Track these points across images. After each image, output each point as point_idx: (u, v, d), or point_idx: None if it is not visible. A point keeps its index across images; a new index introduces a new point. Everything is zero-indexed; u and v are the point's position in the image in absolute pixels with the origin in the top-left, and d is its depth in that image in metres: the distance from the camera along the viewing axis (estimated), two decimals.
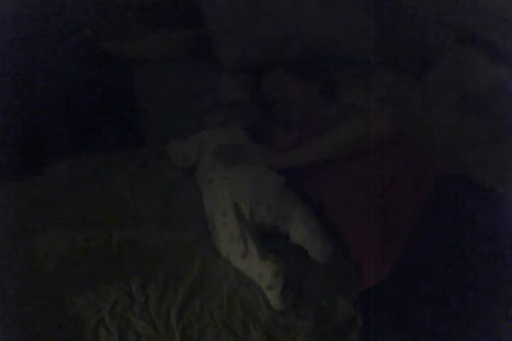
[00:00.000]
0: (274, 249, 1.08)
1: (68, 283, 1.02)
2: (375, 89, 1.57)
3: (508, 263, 1.01)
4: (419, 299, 1.00)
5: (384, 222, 1.10)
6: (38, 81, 1.37)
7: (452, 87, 1.72)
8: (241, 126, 1.43)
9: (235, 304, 1.01)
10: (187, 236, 1.16)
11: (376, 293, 1.04)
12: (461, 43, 1.83)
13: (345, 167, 1.22)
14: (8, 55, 1.33)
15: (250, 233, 1.07)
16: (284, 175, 1.22)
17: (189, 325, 0.98)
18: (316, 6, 1.63)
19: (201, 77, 1.61)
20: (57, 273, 1.04)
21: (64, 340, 0.93)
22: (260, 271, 1.01)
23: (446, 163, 1.24)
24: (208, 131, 1.42)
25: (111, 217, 1.20)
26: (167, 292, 1.02)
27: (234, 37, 1.61)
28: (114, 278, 1.05)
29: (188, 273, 1.06)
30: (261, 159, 1.27)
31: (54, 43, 1.40)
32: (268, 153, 1.29)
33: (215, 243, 1.13)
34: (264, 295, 1.02)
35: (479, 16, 1.79)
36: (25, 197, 1.22)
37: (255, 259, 1.03)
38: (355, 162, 1.22)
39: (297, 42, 1.63)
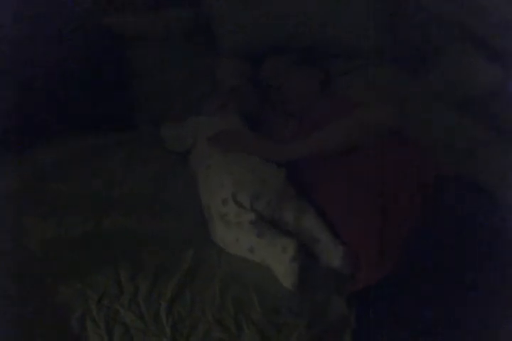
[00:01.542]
0: None
1: (54, 269, 0.97)
2: (375, 83, 1.54)
3: (508, 262, 1.00)
4: (418, 299, 0.99)
5: (382, 221, 1.08)
6: (28, 57, 1.30)
7: (452, 86, 1.70)
8: (238, 113, 1.38)
9: (227, 299, 0.98)
10: (180, 225, 1.12)
11: (374, 294, 1.02)
12: (462, 42, 1.81)
13: (344, 164, 1.19)
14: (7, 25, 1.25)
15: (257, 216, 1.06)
16: (284, 168, 1.18)
17: (179, 319, 0.94)
18: None
19: (199, 60, 1.55)
20: (44, 258, 0.99)
21: (49, 329, 0.89)
22: (284, 245, 1.01)
23: (446, 163, 1.22)
24: (204, 117, 1.37)
25: (100, 203, 1.15)
26: (157, 283, 0.98)
27: (233, 20, 1.56)
28: (102, 266, 1.00)
29: (179, 264, 1.02)
30: (259, 149, 1.22)
31: (49, 15, 1.33)
32: (267, 144, 1.25)
33: (212, 232, 1.10)
34: (257, 291, 0.99)
35: (479, 16, 1.77)
36: (12, 180, 1.16)
37: (276, 235, 1.04)
38: (354, 158, 1.19)
39: (298, 30, 1.58)
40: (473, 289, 0.96)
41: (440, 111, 1.52)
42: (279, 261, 1.02)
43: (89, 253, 1.05)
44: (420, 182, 1.10)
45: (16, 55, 1.28)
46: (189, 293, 0.97)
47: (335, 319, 1.01)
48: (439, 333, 0.96)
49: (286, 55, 1.49)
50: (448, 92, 1.64)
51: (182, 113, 1.42)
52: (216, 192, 1.11)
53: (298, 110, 1.41)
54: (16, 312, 0.90)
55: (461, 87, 1.70)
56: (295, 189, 1.17)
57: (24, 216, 1.09)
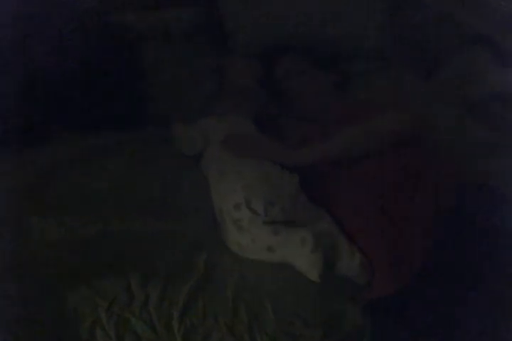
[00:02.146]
0: None
1: (62, 275, 0.94)
2: (390, 86, 1.52)
3: None
4: (434, 311, 0.97)
5: (399, 230, 1.05)
6: (36, 53, 1.27)
7: (464, 88, 1.68)
8: (249, 115, 1.35)
9: (240, 307, 0.95)
10: (191, 228, 1.09)
11: (390, 304, 0.99)
12: (473, 44, 1.78)
13: (358, 171, 1.16)
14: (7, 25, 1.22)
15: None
16: (297, 174, 1.14)
17: (192, 328, 0.91)
18: None
19: (210, 59, 1.52)
20: (51, 263, 0.96)
21: (58, 339, 0.85)
22: (303, 236, 1.00)
23: (464, 169, 1.19)
24: (214, 118, 1.33)
25: (106, 204, 1.12)
26: (169, 290, 0.95)
27: (247, 19, 1.53)
28: (110, 271, 0.97)
29: (191, 270, 0.99)
30: (271, 154, 1.19)
31: (49, 15, 1.29)
32: (279, 148, 1.21)
33: (225, 236, 1.07)
34: (272, 299, 0.96)
35: (490, 18, 1.75)
36: (17, 178, 1.12)
37: (292, 229, 1.03)
38: (369, 165, 1.16)
39: (312, 30, 1.56)
40: (494, 301, 0.94)
41: (453, 115, 1.49)
42: (300, 254, 1.00)
43: (96, 256, 1.01)
44: (439, 191, 1.07)
45: (17, 54, 1.24)
46: (201, 301, 0.94)
47: (350, 329, 0.98)
48: None
49: (300, 55, 1.46)
50: (460, 93, 1.61)
51: (190, 114, 1.38)
52: (228, 197, 1.08)
53: (311, 113, 1.38)
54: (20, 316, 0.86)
55: (472, 89, 1.68)
56: (307, 195, 1.14)
57: (26, 216, 1.05)
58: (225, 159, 1.18)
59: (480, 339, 0.96)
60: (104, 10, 1.47)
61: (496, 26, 1.71)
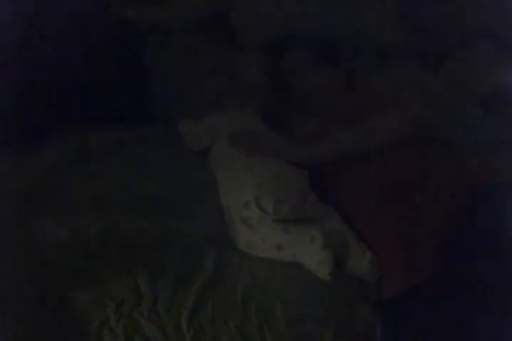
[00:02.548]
0: None
1: (70, 275, 0.93)
2: (400, 81, 1.49)
3: None
4: (445, 313, 0.95)
5: (411, 229, 1.03)
6: (39, 48, 1.25)
7: (472, 84, 1.65)
8: (258, 111, 1.33)
9: (249, 308, 0.94)
10: (200, 228, 1.07)
11: (400, 304, 0.98)
12: (483, 39, 1.75)
13: (370, 169, 1.14)
14: (9, 22, 1.20)
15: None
16: (306, 171, 1.12)
17: (201, 330, 0.90)
18: None
19: (218, 54, 1.49)
20: (58, 263, 0.95)
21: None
22: (312, 234, 1.00)
23: (477, 169, 1.17)
24: (221, 114, 1.32)
25: (115, 204, 1.10)
26: (178, 291, 0.93)
27: (255, 14, 1.50)
28: (118, 271, 0.95)
29: (200, 270, 0.98)
30: (281, 151, 1.17)
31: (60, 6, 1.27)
32: (288, 145, 1.20)
33: (233, 235, 1.06)
34: (281, 300, 0.95)
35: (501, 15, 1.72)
36: (20, 176, 1.11)
37: (302, 227, 1.02)
38: (380, 163, 1.13)
39: (319, 24, 1.53)
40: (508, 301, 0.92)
41: (465, 111, 1.47)
42: (309, 252, 0.99)
43: (104, 257, 1.00)
44: (449, 192, 1.06)
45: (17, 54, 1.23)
46: (211, 302, 0.93)
47: (361, 329, 0.97)
48: None
49: (310, 49, 1.43)
50: (470, 90, 1.59)
51: (198, 109, 1.36)
52: (237, 194, 1.07)
53: (320, 108, 1.36)
54: (29, 323, 0.85)
55: (483, 86, 1.65)
56: (317, 193, 1.12)
57: (32, 216, 1.03)
58: (234, 156, 1.16)
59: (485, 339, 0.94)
60: (105, 6, 1.45)
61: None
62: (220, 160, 1.19)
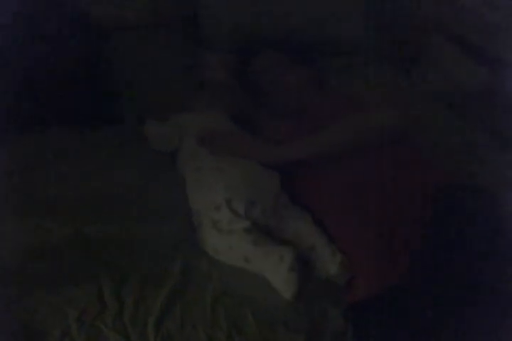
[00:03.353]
0: None
1: (29, 284, 0.88)
2: (372, 81, 1.49)
3: None
4: (422, 314, 0.94)
5: (382, 229, 1.02)
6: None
7: (445, 86, 1.67)
8: (227, 111, 1.30)
9: (219, 314, 0.90)
10: (167, 232, 1.03)
11: (373, 307, 0.97)
12: (450, 44, 1.78)
13: (342, 168, 1.12)
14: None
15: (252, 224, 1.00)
16: (277, 173, 1.10)
17: (168, 337, 0.86)
18: None
19: (186, 53, 1.46)
20: (16, 271, 0.90)
21: None
22: (282, 254, 0.96)
23: (447, 170, 1.17)
24: (189, 114, 1.29)
25: (80, 206, 1.06)
26: (144, 298, 0.89)
27: (224, 12, 1.48)
28: (81, 279, 0.91)
29: (168, 275, 0.94)
30: (251, 151, 1.15)
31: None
32: (258, 145, 1.17)
33: (202, 239, 1.02)
34: (251, 305, 0.92)
35: (465, 19, 1.75)
36: None
37: (272, 245, 0.98)
38: (353, 162, 1.12)
39: (289, 25, 1.52)
40: (483, 303, 0.92)
41: (439, 112, 1.48)
42: (276, 271, 0.95)
43: (66, 262, 0.95)
44: (427, 188, 1.05)
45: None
46: (179, 308, 0.90)
47: (332, 334, 0.95)
48: None
49: (279, 50, 1.41)
50: (443, 92, 1.60)
51: (167, 109, 1.33)
52: (208, 197, 1.03)
53: (290, 109, 1.34)
54: None
55: (451, 88, 1.67)
56: (288, 195, 1.10)
57: None
58: (203, 156, 1.13)
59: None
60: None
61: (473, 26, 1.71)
62: (189, 162, 1.15)
